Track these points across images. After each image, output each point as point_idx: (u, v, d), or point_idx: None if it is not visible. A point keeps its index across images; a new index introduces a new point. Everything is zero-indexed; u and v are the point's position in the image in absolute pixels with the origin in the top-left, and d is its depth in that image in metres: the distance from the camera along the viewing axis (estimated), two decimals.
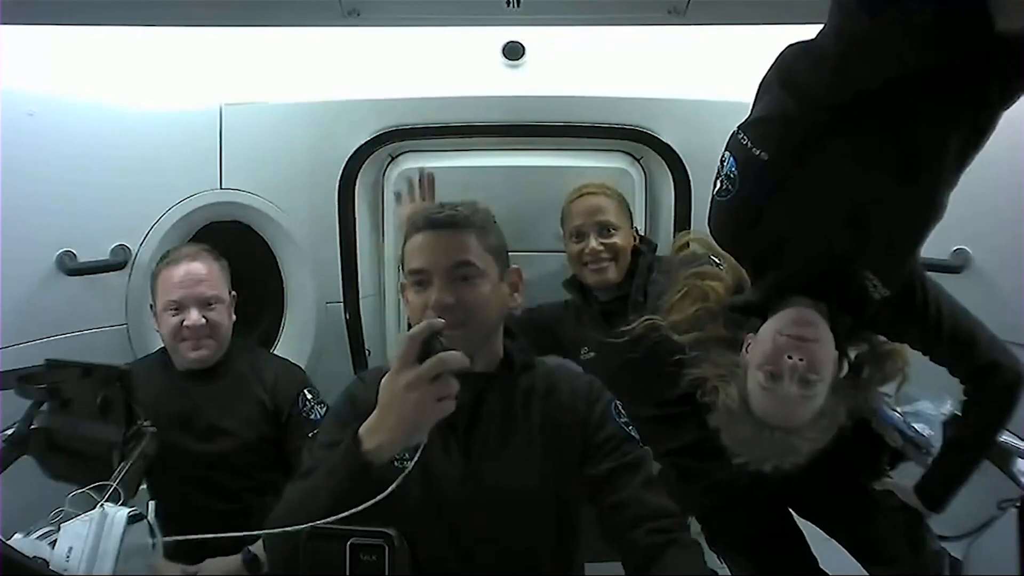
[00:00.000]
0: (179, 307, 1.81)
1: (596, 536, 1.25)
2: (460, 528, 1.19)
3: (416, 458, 1.01)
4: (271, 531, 1.04)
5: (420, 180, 2.14)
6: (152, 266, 1.95)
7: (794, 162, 1.27)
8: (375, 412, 1.02)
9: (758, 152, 1.25)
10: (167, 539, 1.61)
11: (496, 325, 1.27)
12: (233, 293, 1.93)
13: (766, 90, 1.28)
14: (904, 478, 1.63)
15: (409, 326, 1.18)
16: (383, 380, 1.02)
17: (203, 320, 1.81)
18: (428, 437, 1.01)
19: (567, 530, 1.26)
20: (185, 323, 1.80)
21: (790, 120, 1.24)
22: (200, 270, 1.84)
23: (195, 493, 1.79)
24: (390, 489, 0.98)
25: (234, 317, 1.92)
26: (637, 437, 1.26)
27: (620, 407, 1.29)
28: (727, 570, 1.84)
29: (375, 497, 0.98)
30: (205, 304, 1.82)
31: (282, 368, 1.96)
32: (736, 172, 1.29)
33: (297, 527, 1.01)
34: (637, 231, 2.07)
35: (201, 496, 1.79)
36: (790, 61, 1.23)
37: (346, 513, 0.98)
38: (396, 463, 1.03)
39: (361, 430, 1.03)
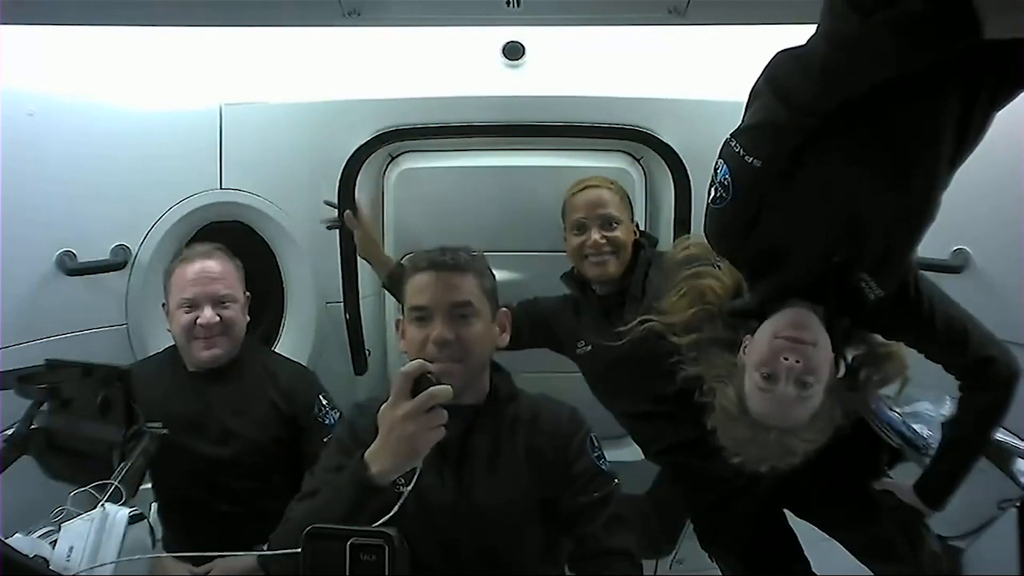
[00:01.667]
0: (193, 304, 1.79)
1: None
2: (452, 546, 1.29)
3: (412, 482, 1.10)
4: (277, 552, 1.13)
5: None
6: (153, 266, 1.95)
7: (787, 168, 1.27)
8: (377, 439, 1.12)
9: (750, 159, 1.26)
10: (184, 554, 1.64)
11: (487, 361, 1.39)
12: (247, 293, 1.91)
13: (756, 97, 1.28)
14: (904, 478, 1.63)
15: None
16: (381, 410, 1.12)
17: (217, 318, 1.79)
18: (424, 466, 1.11)
19: (551, 543, 1.35)
20: (199, 321, 1.78)
21: (781, 126, 1.24)
22: (215, 268, 1.83)
23: (203, 495, 1.78)
24: (393, 511, 1.08)
25: (248, 318, 1.90)
26: (608, 470, 1.35)
27: (596, 440, 1.37)
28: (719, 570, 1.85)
29: (378, 516, 1.08)
30: (219, 302, 1.80)
31: (296, 372, 1.95)
32: (730, 179, 1.30)
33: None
34: (637, 225, 2.05)
35: (209, 498, 1.78)
36: (780, 67, 1.23)
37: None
38: (395, 488, 1.12)
39: (366, 455, 1.12)
